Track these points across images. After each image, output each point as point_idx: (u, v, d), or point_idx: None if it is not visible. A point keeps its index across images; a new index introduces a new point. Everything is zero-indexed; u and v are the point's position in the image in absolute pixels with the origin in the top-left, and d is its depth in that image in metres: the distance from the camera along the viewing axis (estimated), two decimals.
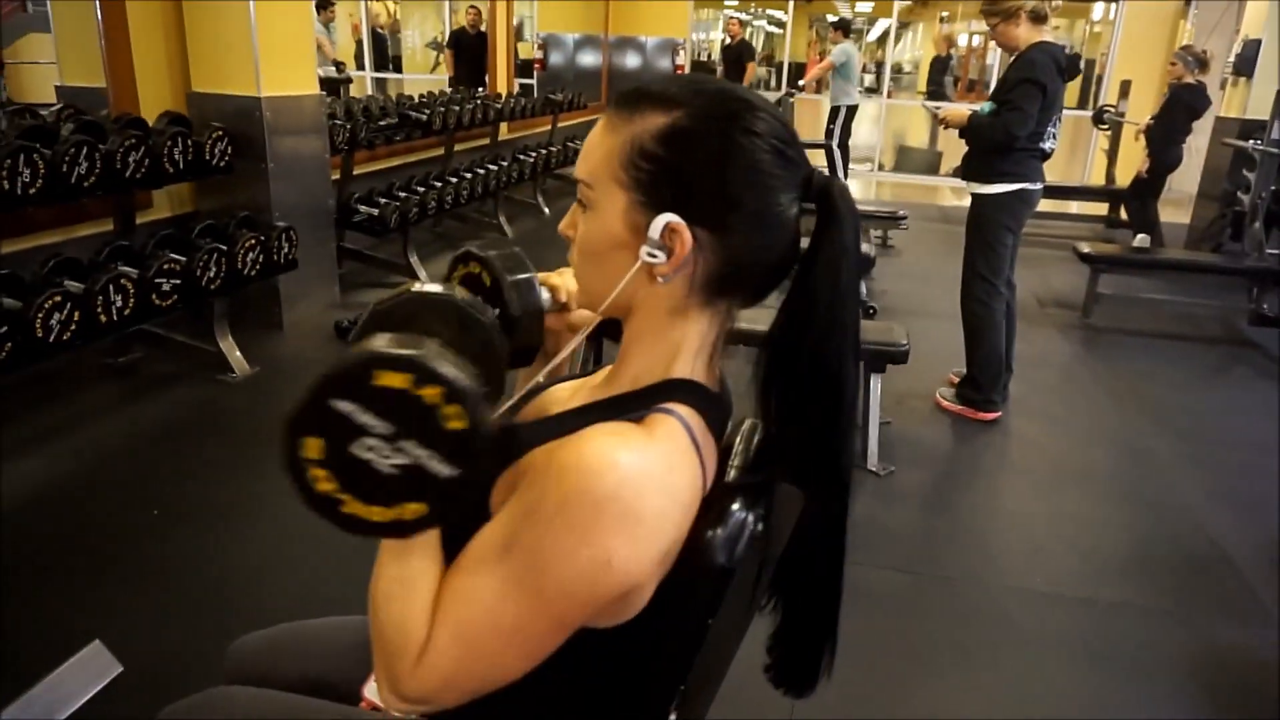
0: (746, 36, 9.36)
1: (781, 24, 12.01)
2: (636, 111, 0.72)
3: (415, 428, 0.58)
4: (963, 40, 14.84)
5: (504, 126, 6.61)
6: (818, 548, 0.80)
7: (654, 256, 0.71)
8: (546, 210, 6.72)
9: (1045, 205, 7.44)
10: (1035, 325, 4.49)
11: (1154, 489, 2.84)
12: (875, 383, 2.82)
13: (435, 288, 0.70)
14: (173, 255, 2.87)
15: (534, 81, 9.31)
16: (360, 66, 9.68)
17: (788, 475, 0.78)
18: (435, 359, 0.58)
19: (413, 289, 0.69)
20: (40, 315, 2.38)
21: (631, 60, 9.89)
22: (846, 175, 8.14)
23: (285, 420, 0.58)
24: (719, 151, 0.70)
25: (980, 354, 3.21)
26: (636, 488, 0.64)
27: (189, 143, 3.12)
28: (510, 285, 0.80)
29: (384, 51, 10.48)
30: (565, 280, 0.88)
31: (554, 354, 0.90)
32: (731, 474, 0.79)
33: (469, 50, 7.74)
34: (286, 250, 3.40)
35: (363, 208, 4.30)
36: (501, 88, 7.40)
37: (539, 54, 9.60)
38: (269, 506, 2.34)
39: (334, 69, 8.38)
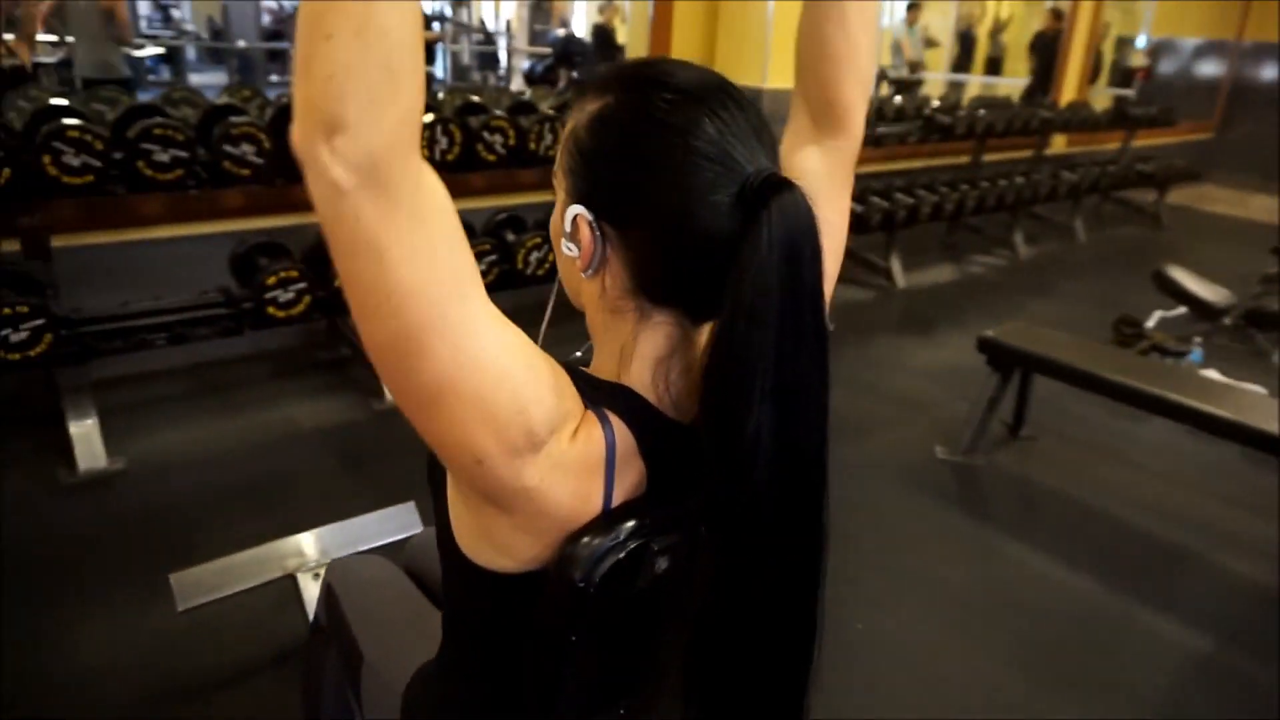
0: None
1: None
2: (584, 97, 0.70)
3: None
4: None
5: (1061, 139, 6.00)
6: (729, 612, 0.66)
7: (570, 250, 0.68)
8: (1082, 236, 5.86)
9: None
10: None
11: None
12: None
13: None
14: None
15: (1131, 92, 8.19)
16: (962, 68, 9.51)
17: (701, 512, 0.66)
18: None
19: None
20: (522, 252, 2.98)
21: (1268, 72, 7.96)
22: None
23: None
24: (627, 141, 0.65)
25: None
26: None
27: None
28: None
29: (969, 52, 10.13)
30: None
31: None
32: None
33: (1045, 53, 7.13)
34: None
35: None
36: (1070, 95, 6.70)
37: (1146, 61, 8.41)
38: None
39: (905, 70, 8.46)
